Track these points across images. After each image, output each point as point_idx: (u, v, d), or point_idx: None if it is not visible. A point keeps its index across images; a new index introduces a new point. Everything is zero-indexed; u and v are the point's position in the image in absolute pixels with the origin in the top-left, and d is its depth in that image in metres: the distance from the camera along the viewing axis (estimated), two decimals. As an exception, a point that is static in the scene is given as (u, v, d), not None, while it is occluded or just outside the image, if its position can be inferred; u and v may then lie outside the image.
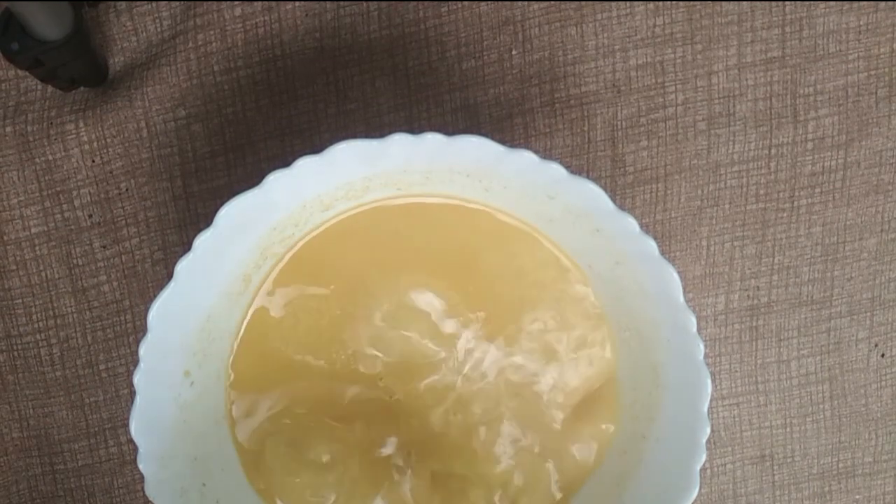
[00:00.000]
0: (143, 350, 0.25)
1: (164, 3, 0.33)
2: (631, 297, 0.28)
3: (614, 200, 0.24)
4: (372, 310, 0.30)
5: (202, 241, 0.24)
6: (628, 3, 0.33)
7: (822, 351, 0.36)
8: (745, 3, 0.33)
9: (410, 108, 0.34)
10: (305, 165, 0.24)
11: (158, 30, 0.33)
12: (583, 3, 0.33)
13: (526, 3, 0.33)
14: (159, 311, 0.25)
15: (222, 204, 0.24)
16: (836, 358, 0.36)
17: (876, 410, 0.36)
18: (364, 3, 0.33)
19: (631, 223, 0.25)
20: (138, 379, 0.25)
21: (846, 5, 0.33)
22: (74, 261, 0.34)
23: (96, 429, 0.35)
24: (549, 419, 0.30)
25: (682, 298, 0.25)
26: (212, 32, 0.33)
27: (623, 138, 0.34)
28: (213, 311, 0.28)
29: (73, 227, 0.34)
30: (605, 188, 0.25)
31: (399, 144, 0.24)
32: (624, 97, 0.34)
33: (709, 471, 0.36)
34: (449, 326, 0.30)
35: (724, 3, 0.33)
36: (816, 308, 0.35)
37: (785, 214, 0.35)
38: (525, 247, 0.30)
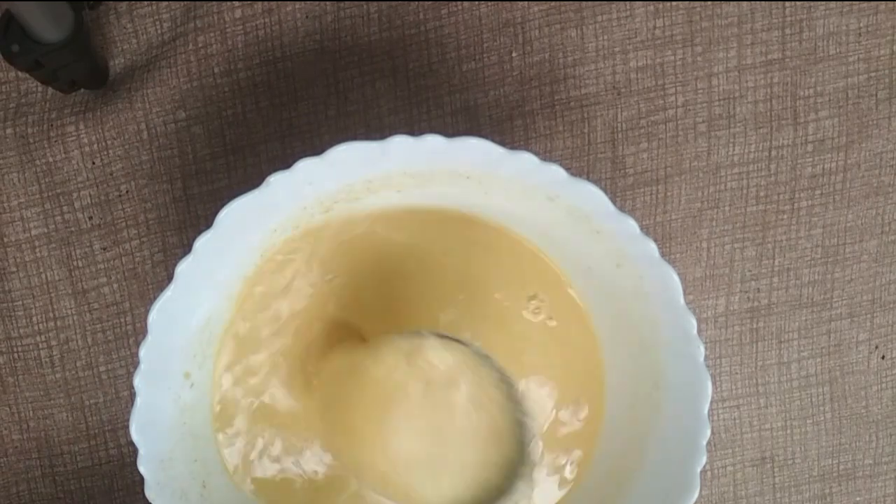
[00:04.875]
0: (144, 352, 0.25)
1: (164, 4, 0.33)
2: (631, 298, 0.28)
3: (614, 202, 0.24)
4: (371, 311, 0.30)
5: (202, 242, 0.24)
6: (628, 4, 0.33)
7: (822, 353, 0.36)
8: (745, 4, 0.33)
9: (410, 110, 0.34)
10: (306, 167, 0.24)
11: (159, 32, 0.33)
12: (583, 4, 0.33)
13: (526, 5, 0.33)
14: (159, 313, 0.25)
15: (223, 206, 0.24)
16: (836, 360, 0.36)
17: (876, 412, 0.36)
18: (364, 5, 0.33)
19: (631, 225, 0.25)
20: (138, 381, 0.25)
21: (846, 7, 0.33)
22: (74, 263, 0.34)
23: (96, 431, 0.35)
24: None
25: (682, 300, 0.25)
26: (212, 34, 0.33)
27: (623, 140, 0.34)
28: (213, 313, 0.28)
29: (73, 228, 0.34)
30: (605, 190, 0.24)
31: (399, 146, 0.24)
32: (624, 99, 0.34)
33: (709, 473, 0.36)
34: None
35: (724, 4, 0.33)
36: (817, 310, 0.35)
37: (785, 216, 0.35)
38: (524, 249, 0.30)
